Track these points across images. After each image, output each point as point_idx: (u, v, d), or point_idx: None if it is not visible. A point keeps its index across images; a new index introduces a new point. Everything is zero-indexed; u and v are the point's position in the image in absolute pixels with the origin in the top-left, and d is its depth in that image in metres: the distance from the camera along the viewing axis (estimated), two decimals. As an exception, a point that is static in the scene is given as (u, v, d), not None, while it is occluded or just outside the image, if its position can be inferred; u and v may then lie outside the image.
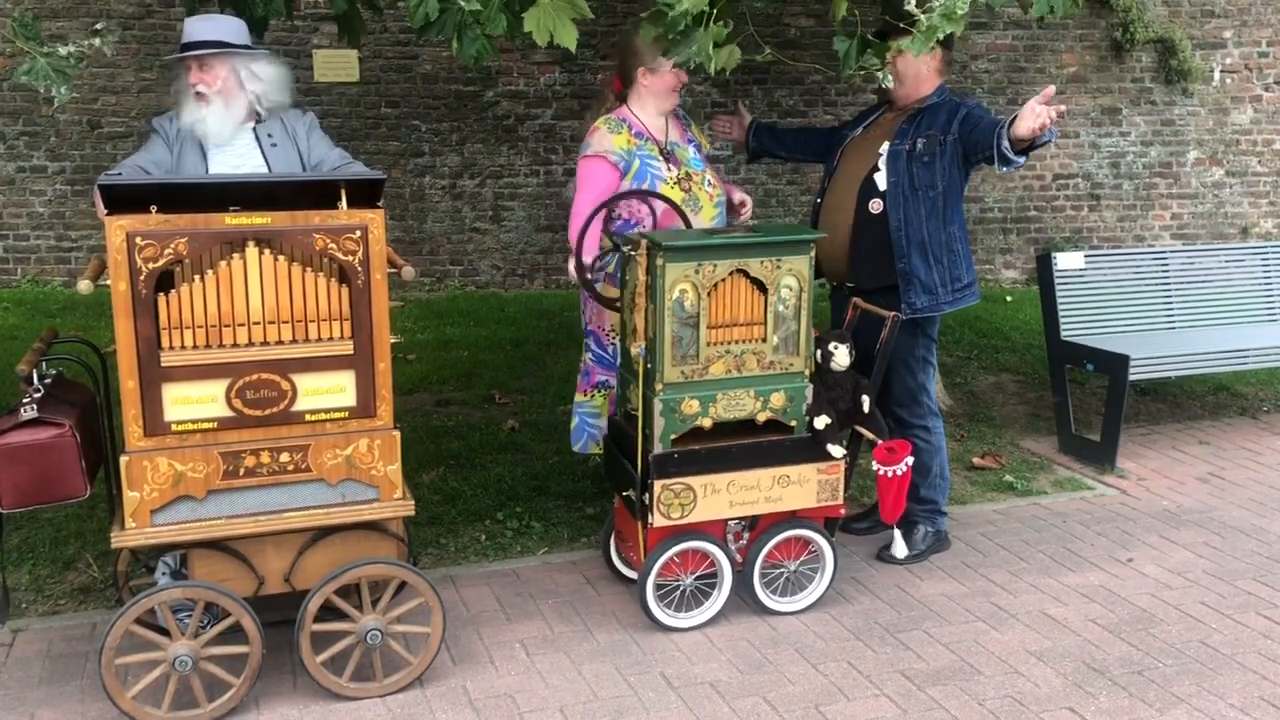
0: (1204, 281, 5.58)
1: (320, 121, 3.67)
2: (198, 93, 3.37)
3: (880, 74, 3.34)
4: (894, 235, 3.81)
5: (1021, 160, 3.63)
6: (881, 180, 3.83)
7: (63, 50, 3.09)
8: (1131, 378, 4.81)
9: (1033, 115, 3.47)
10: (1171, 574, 3.90)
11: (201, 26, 3.39)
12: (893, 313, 3.60)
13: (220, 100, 3.38)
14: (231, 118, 3.40)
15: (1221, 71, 9.01)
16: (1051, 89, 3.57)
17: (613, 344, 3.93)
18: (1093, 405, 5.71)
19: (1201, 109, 9.04)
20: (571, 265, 3.64)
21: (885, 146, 3.85)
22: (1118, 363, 4.83)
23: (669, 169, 3.84)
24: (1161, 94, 8.94)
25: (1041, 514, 4.45)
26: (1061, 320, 5.15)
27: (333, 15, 4.17)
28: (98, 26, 3.23)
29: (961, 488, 4.66)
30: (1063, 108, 3.51)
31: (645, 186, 3.78)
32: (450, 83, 8.00)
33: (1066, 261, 5.19)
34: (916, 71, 3.85)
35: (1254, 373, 6.19)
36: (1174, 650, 3.36)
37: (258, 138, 3.46)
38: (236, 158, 3.42)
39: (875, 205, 3.84)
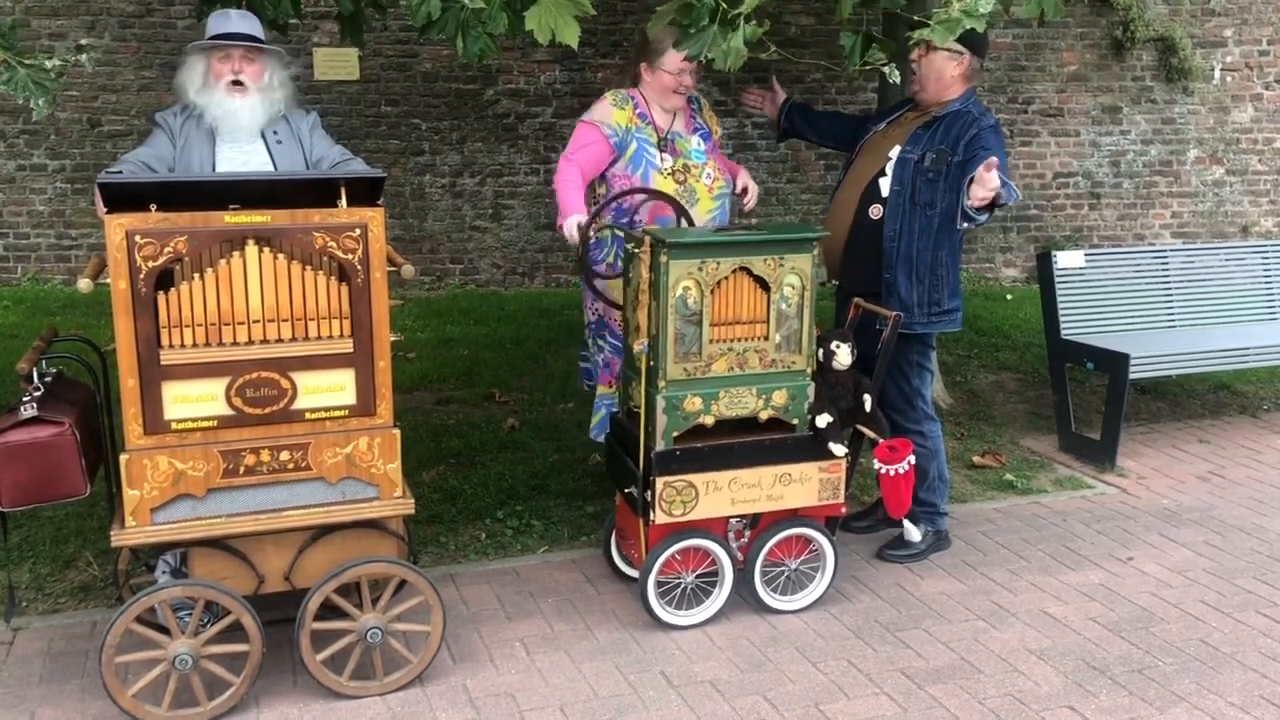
0: (1204, 280, 5.58)
1: (322, 121, 3.68)
2: (236, 82, 3.39)
3: (887, 69, 3.33)
4: (886, 245, 3.78)
5: (983, 219, 3.62)
6: (885, 186, 3.79)
7: (47, 64, 3.08)
8: (1132, 376, 4.80)
9: (982, 185, 3.48)
10: (1171, 573, 3.90)
11: (243, 22, 3.44)
12: (895, 313, 3.59)
13: (258, 94, 3.42)
14: (264, 112, 3.44)
15: (1222, 70, 9.00)
16: (995, 159, 3.52)
17: None
18: (1093, 404, 5.71)
19: (1202, 107, 9.03)
20: (564, 226, 3.65)
21: (896, 151, 3.80)
22: (1118, 361, 4.83)
23: (663, 159, 3.84)
24: (1162, 92, 8.93)
25: (1041, 513, 4.45)
26: (1062, 319, 5.14)
27: (337, 15, 4.17)
28: (82, 42, 3.22)
29: (961, 486, 4.66)
30: (995, 186, 3.48)
31: (640, 172, 3.80)
32: (450, 81, 8.00)
33: (1067, 260, 5.19)
34: (940, 73, 3.78)
35: (1254, 371, 6.19)
36: (1174, 649, 3.36)
37: (264, 136, 3.47)
38: (244, 154, 3.43)
39: (875, 211, 3.80)
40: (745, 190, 4.02)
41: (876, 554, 3.97)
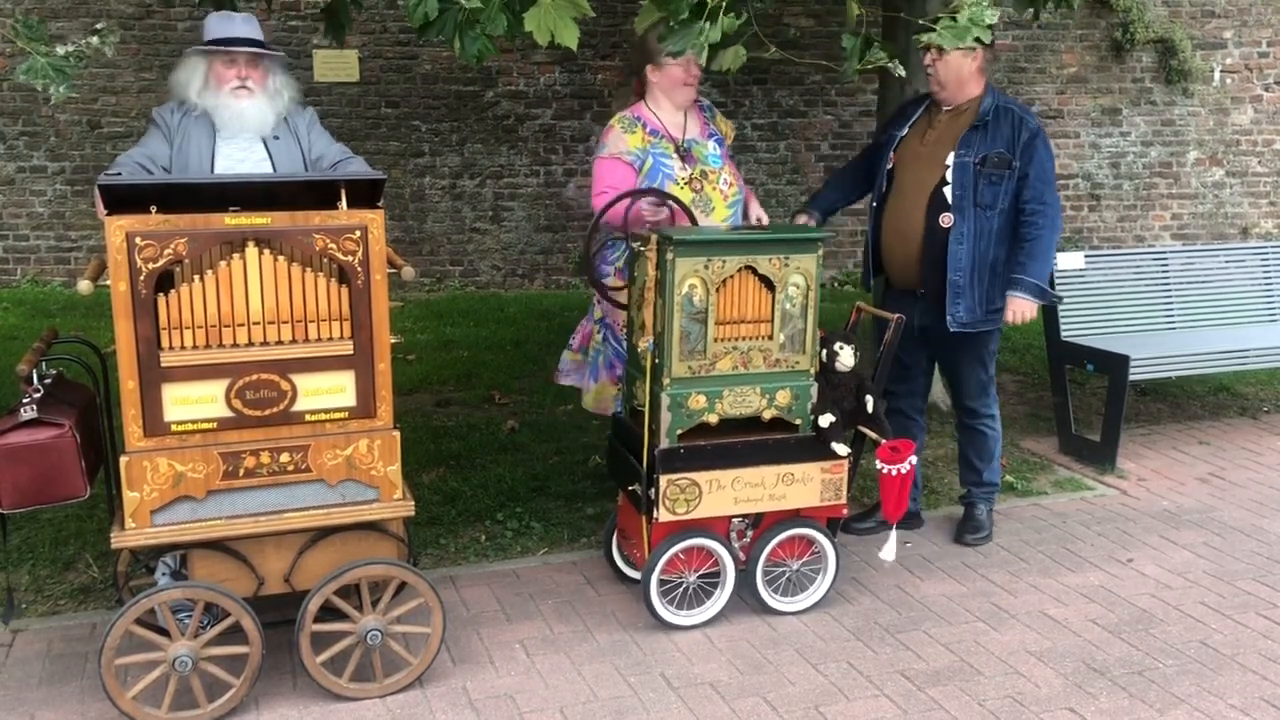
0: (1204, 282, 5.58)
1: (320, 119, 3.69)
2: (243, 87, 3.41)
3: (890, 65, 3.33)
4: (952, 247, 3.83)
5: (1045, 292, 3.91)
6: (949, 194, 3.84)
7: (60, 50, 3.10)
8: (1131, 378, 4.80)
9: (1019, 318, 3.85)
10: (1171, 574, 3.90)
11: (247, 26, 3.44)
12: (896, 315, 3.60)
13: (264, 97, 3.45)
14: (271, 114, 3.47)
15: (1222, 72, 9.01)
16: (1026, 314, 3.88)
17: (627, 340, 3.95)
18: (1093, 405, 5.71)
19: (1202, 109, 9.04)
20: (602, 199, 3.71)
21: (951, 157, 3.84)
22: (1118, 363, 4.83)
23: (683, 167, 3.85)
24: (1162, 94, 8.94)
25: (1041, 514, 4.45)
26: (1062, 320, 5.14)
27: (324, 9, 4.15)
28: (98, 26, 3.24)
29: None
30: None
31: (656, 185, 3.79)
32: (450, 83, 8.00)
33: (1067, 262, 5.19)
34: (958, 73, 3.82)
35: (1254, 373, 6.19)
36: (1174, 650, 3.36)
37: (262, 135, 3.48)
38: (242, 152, 3.44)
39: (946, 219, 3.84)
40: (760, 220, 4.04)
41: (955, 539, 4.14)
